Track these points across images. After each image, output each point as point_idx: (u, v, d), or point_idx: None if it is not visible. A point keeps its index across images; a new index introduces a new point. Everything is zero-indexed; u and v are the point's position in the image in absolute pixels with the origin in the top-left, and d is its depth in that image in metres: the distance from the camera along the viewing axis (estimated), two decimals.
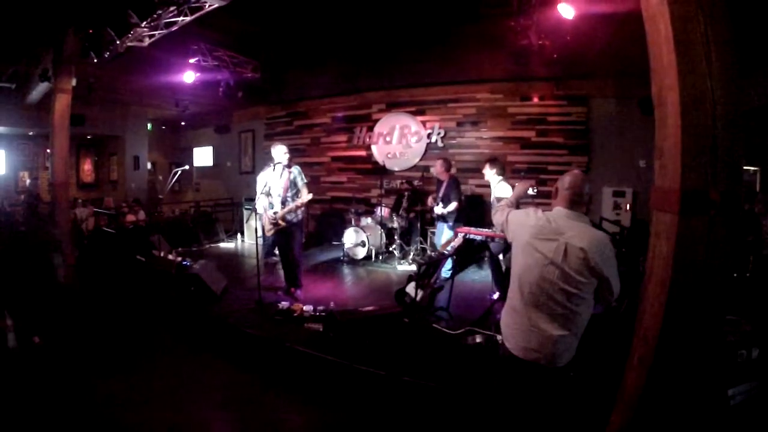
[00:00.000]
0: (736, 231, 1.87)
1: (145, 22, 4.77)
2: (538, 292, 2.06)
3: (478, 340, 3.98)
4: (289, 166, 5.21)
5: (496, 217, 2.51)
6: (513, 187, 3.63)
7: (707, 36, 1.76)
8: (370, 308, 4.52)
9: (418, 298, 4.73)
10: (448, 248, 5.24)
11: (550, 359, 2.04)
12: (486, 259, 6.70)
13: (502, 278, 4.97)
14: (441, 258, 5.17)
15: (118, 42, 5.12)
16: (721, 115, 1.74)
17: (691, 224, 1.76)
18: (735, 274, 3.86)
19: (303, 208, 5.36)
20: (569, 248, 1.99)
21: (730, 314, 3.05)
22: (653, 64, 1.95)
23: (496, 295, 4.99)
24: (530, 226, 2.15)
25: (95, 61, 5.46)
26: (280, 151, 5.17)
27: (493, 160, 5.76)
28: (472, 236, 4.70)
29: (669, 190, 1.81)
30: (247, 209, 9.47)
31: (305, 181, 5.27)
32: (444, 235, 6.30)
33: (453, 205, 6.20)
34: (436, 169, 6.52)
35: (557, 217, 2.10)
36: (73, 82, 5.66)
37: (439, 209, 6.30)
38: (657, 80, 1.93)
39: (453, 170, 6.94)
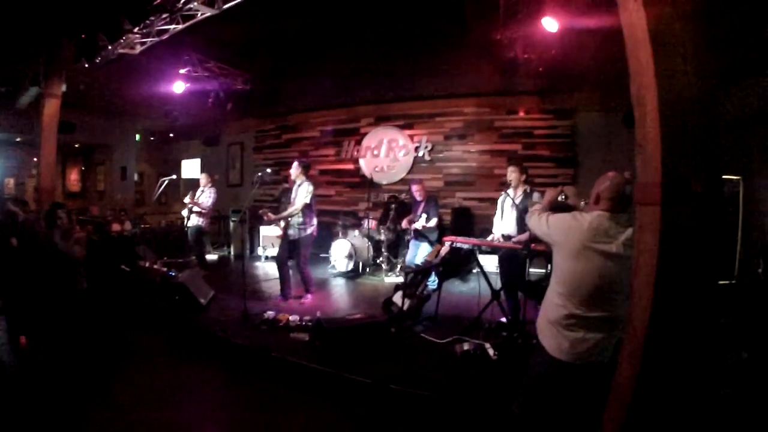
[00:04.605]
0: (720, 221, 1.93)
1: (137, 28, 4.81)
2: (597, 295, 2.06)
3: (466, 347, 3.97)
4: (300, 182, 5.60)
5: (532, 222, 2.45)
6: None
7: (683, 38, 1.86)
8: (357, 316, 4.50)
9: (406, 307, 4.72)
10: (435, 258, 5.25)
11: (603, 356, 2.12)
12: (475, 272, 6.70)
13: (534, 293, 4.21)
14: (429, 267, 5.18)
15: (110, 48, 5.14)
16: (698, 110, 1.82)
17: (675, 215, 1.81)
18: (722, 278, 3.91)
19: (313, 226, 5.67)
20: (625, 250, 2.02)
21: (721, 312, 3.08)
22: (632, 66, 2.03)
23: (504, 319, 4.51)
24: (584, 231, 2.08)
25: (86, 66, 5.48)
26: (293, 169, 5.69)
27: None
28: (458, 244, 4.72)
29: (651, 183, 1.86)
30: (233, 221, 9.42)
31: (304, 201, 5.50)
32: (420, 252, 6.27)
33: (434, 221, 6.26)
34: (418, 189, 6.49)
35: (604, 221, 2.09)
36: (63, 87, 5.65)
37: (421, 222, 6.31)
38: (636, 80, 2.01)
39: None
